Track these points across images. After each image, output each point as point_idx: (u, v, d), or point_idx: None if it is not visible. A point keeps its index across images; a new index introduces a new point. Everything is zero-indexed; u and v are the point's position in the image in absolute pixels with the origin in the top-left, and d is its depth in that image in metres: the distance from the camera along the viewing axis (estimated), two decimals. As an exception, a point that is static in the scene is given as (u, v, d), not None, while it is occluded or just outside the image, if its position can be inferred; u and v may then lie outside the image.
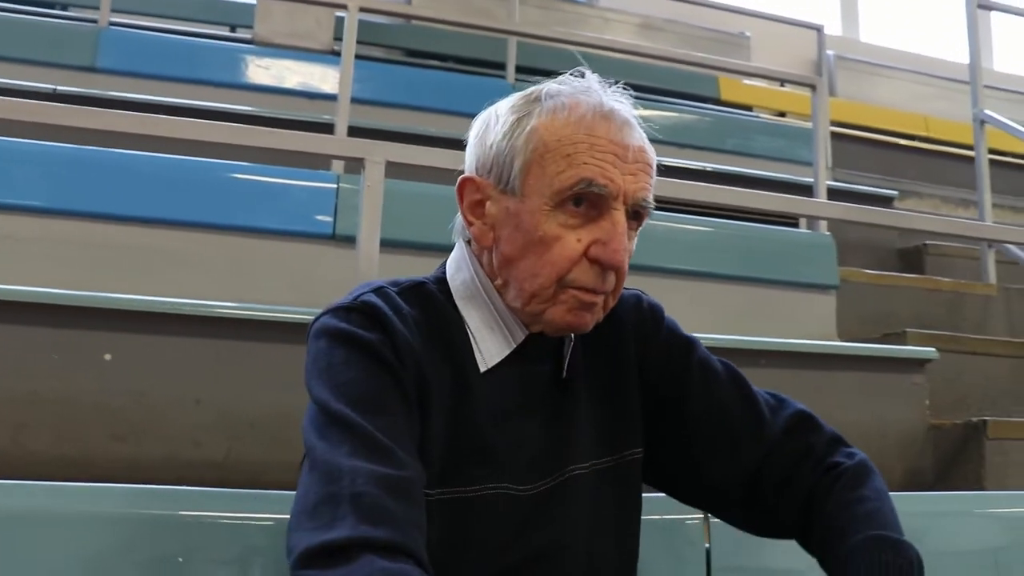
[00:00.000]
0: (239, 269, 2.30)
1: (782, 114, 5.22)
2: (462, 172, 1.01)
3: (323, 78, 3.80)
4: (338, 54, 4.11)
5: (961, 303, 3.22)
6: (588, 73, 1.00)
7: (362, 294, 0.97)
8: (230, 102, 3.33)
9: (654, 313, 1.13)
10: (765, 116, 4.92)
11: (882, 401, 2.34)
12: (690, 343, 1.14)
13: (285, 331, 1.89)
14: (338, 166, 2.63)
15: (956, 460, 2.35)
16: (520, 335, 1.00)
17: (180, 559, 1.10)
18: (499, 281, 0.99)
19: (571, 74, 1.00)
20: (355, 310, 0.94)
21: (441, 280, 1.04)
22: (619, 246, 0.93)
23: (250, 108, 3.39)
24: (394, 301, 0.97)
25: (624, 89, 1.00)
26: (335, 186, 2.40)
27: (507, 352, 1.00)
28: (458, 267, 1.03)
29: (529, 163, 0.93)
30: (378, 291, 0.98)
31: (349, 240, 2.36)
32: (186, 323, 1.83)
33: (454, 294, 1.02)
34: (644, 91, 4.58)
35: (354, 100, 3.43)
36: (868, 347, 2.47)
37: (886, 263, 3.52)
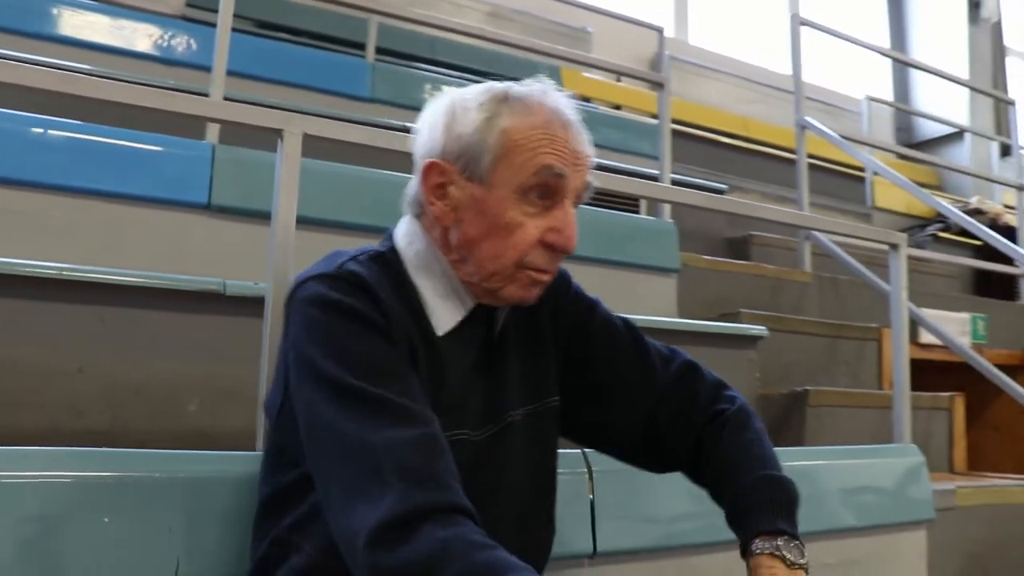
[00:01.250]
0: (106, 235, 2.22)
1: (618, 107, 5.47)
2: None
3: (176, 43, 3.68)
4: (189, 19, 4.03)
5: (782, 288, 3.55)
6: (544, 79, 1.13)
7: (342, 263, 1.05)
8: (73, 60, 3.18)
9: (563, 278, 1.26)
10: (604, 108, 5.13)
11: (719, 373, 2.59)
12: (593, 304, 1.30)
13: (171, 298, 1.89)
14: (212, 134, 2.59)
15: (783, 424, 2.66)
16: (470, 304, 1.12)
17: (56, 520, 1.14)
18: (455, 256, 1.09)
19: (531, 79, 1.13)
20: (342, 279, 1.03)
21: (392, 251, 1.13)
22: (573, 232, 1.08)
23: (100, 68, 3.25)
24: (370, 269, 1.05)
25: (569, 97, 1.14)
26: (210, 155, 2.36)
27: (459, 319, 1.11)
28: (410, 240, 1.13)
29: (498, 158, 1.05)
30: (354, 259, 1.07)
31: (225, 211, 2.37)
32: (68, 288, 1.79)
33: (407, 264, 1.11)
34: (490, 77, 4.71)
35: (202, 68, 3.37)
36: (708, 324, 2.70)
37: (717, 250, 3.81)
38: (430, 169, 1.08)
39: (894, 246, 2.20)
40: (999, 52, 7.82)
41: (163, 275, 1.91)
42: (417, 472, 0.90)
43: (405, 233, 1.14)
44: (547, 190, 1.06)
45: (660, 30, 4.41)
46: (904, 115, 7.51)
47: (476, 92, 1.11)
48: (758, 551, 1.07)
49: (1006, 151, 6.64)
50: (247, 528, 1.18)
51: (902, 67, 7.74)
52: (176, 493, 1.22)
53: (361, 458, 0.92)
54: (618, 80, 5.83)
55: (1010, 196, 5.30)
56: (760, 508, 1.12)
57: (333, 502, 0.93)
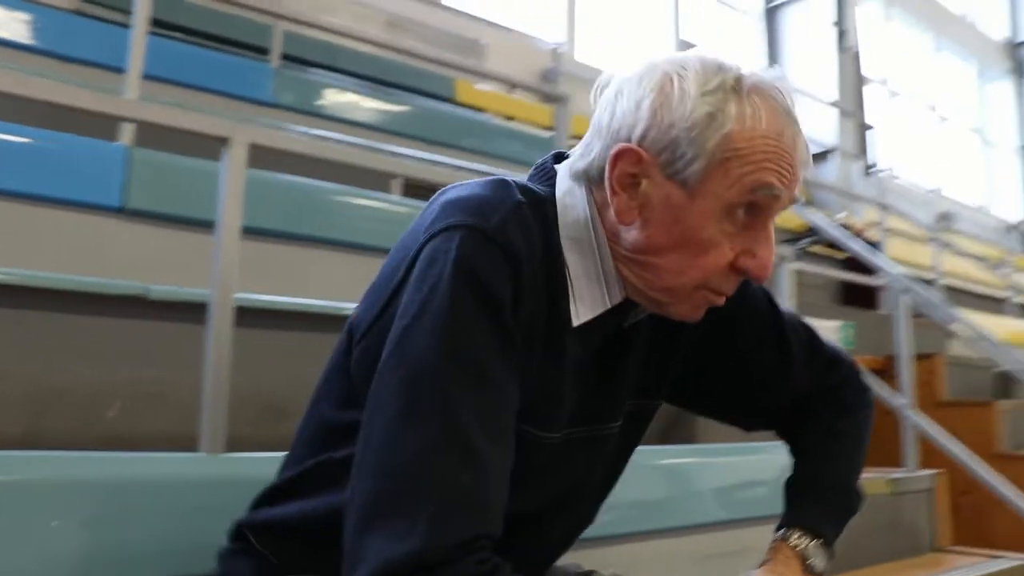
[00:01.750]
0: (18, 237, 2.19)
1: (510, 119, 5.59)
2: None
3: (71, 38, 3.58)
4: (82, 14, 3.92)
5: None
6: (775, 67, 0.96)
7: (505, 220, 0.89)
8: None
9: None
10: (497, 120, 5.25)
11: None
12: (744, 290, 1.09)
13: (92, 302, 1.87)
14: (126, 136, 2.56)
15: (677, 423, 2.82)
16: (617, 297, 0.96)
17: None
18: (621, 253, 0.94)
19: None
20: (497, 244, 0.86)
21: (550, 203, 0.96)
22: (769, 258, 0.92)
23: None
24: (529, 232, 0.90)
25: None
26: (123, 157, 2.32)
27: (600, 311, 0.96)
28: (572, 204, 0.96)
29: (714, 166, 0.87)
30: (517, 212, 0.90)
31: (139, 214, 2.35)
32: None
33: (561, 228, 0.95)
34: (386, 84, 4.76)
35: (96, 65, 3.29)
36: None
37: None
38: (624, 155, 0.89)
39: (781, 258, 2.39)
40: (859, 79, 8.41)
41: (83, 278, 1.88)
42: (467, 522, 0.81)
43: (568, 192, 0.96)
44: (756, 209, 0.90)
45: (557, 47, 4.56)
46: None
47: (701, 70, 0.89)
48: (790, 542, 1.08)
49: (869, 170, 7.14)
50: (169, 529, 1.21)
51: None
52: (96, 494, 1.19)
53: (403, 481, 0.81)
54: (511, 92, 5.97)
55: (872, 212, 5.70)
56: (821, 505, 1.12)
57: (357, 507, 0.83)
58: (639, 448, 1.15)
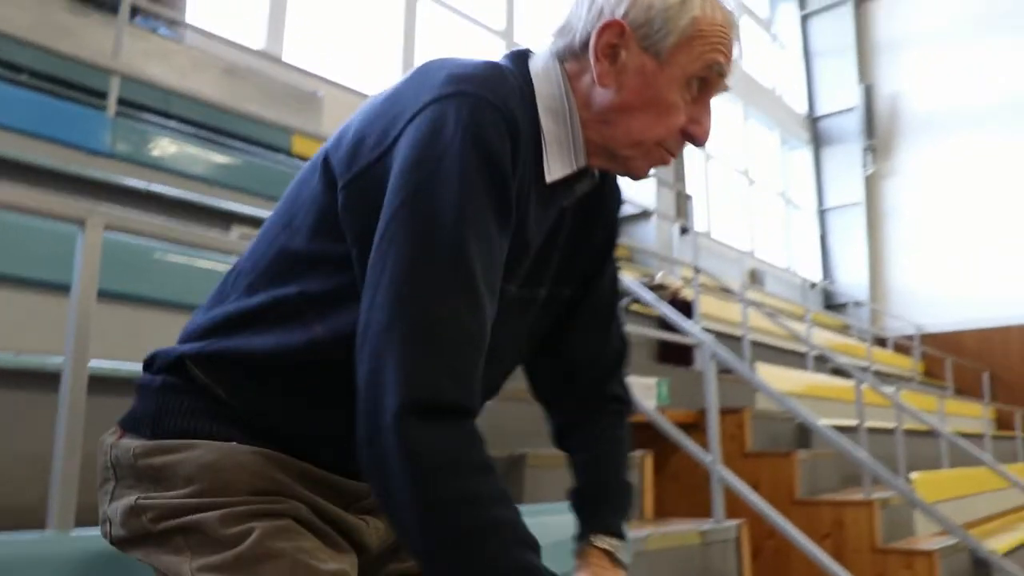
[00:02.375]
0: None
1: None
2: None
3: None
4: None
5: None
6: None
7: (507, 93, 1.01)
8: None
9: (622, 196, 1.29)
10: None
11: None
12: (618, 237, 1.31)
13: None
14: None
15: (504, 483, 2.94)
16: (582, 161, 1.10)
17: None
18: (593, 116, 1.09)
19: None
20: (502, 116, 0.98)
21: (528, 82, 1.09)
22: (710, 128, 1.11)
23: None
24: (522, 101, 1.03)
25: None
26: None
27: (568, 172, 1.09)
28: (547, 78, 1.10)
29: (682, 41, 1.04)
30: (514, 87, 1.03)
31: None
32: None
33: (539, 100, 1.08)
34: (225, 135, 4.74)
35: None
36: None
37: None
38: (610, 27, 1.05)
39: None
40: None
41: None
42: (464, 371, 0.92)
43: (544, 69, 1.11)
44: (706, 85, 1.08)
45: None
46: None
47: None
48: (598, 544, 1.22)
49: (685, 231, 7.62)
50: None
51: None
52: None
53: (420, 315, 0.90)
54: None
55: (688, 272, 6.10)
56: (615, 509, 1.27)
57: (382, 331, 0.90)
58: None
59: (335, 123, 5.86)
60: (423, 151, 0.95)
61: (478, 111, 0.96)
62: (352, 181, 1.01)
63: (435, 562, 0.89)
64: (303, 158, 5.30)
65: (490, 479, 0.91)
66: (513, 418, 3.33)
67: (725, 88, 1.11)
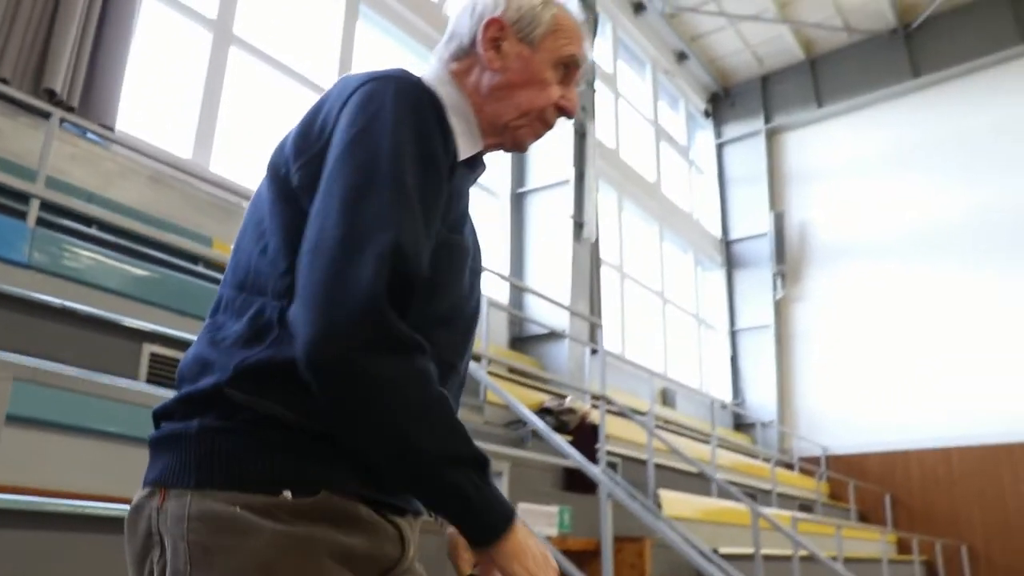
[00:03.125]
0: None
1: None
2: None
3: None
4: None
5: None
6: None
7: (420, 78, 1.25)
8: None
9: None
10: None
11: None
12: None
13: None
14: None
15: None
16: (480, 146, 1.35)
17: None
18: (486, 98, 1.35)
19: None
20: (424, 89, 1.20)
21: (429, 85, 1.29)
22: (577, 102, 1.41)
23: None
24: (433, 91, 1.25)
25: None
26: None
27: (475, 151, 1.34)
28: (442, 82, 1.35)
29: (547, 33, 1.36)
30: (424, 83, 1.24)
31: None
32: None
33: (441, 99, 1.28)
34: (148, 244, 4.76)
35: None
36: None
37: None
38: (492, 24, 1.35)
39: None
40: (596, 263, 9.28)
41: None
42: (411, 280, 1.06)
43: (435, 77, 1.36)
44: (570, 70, 1.38)
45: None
46: (517, 315, 8.54)
47: None
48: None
49: (595, 352, 7.80)
50: None
51: (519, 277, 8.92)
52: None
53: (366, 228, 1.04)
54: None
55: (598, 392, 6.22)
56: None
57: (336, 244, 1.03)
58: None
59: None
60: (361, 110, 1.14)
61: (407, 83, 1.19)
62: (307, 163, 1.15)
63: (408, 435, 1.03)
64: (221, 268, 5.33)
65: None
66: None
67: (582, 76, 1.42)
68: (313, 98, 6.16)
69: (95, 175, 4.99)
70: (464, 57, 1.37)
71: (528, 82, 1.35)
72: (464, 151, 1.29)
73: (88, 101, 5.07)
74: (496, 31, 1.35)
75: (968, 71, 12.66)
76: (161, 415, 1.15)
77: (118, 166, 5.11)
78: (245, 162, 6.62)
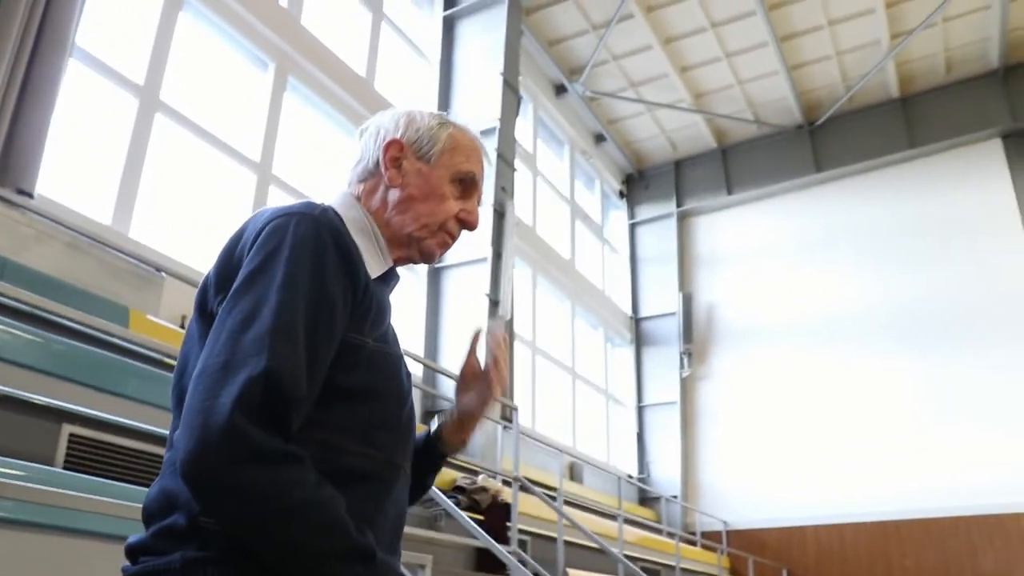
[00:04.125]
0: None
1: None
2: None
3: None
4: None
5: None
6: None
7: (324, 211, 1.32)
8: None
9: None
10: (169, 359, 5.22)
11: None
12: None
13: None
14: None
15: None
16: (389, 263, 1.46)
17: None
18: (391, 215, 1.47)
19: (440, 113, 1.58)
20: (323, 223, 1.29)
21: (335, 211, 1.38)
22: (477, 216, 1.54)
23: None
24: (336, 219, 1.34)
25: None
26: None
27: (383, 270, 1.43)
28: (348, 207, 1.45)
29: (443, 151, 1.50)
30: (327, 210, 1.34)
31: None
32: None
33: (347, 223, 1.36)
34: (58, 315, 4.67)
35: None
36: None
37: None
38: (392, 144, 1.49)
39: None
40: (510, 341, 9.42)
41: None
42: (294, 400, 1.14)
43: (342, 203, 1.46)
44: (467, 186, 1.52)
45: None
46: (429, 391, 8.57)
47: (424, 111, 1.56)
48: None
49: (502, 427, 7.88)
50: None
51: (432, 350, 8.99)
52: None
53: (246, 351, 1.14)
54: (182, 327, 6.05)
55: (510, 468, 6.29)
56: None
57: (218, 370, 1.13)
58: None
59: (174, 304, 5.90)
60: (261, 247, 1.24)
61: (308, 218, 1.28)
62: (218, 302, 1.25)
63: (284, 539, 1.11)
64: (139, 343, 5.23)
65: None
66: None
67: (480, 193, 1.56)
68: (238, 169, 6.16)
69: (10, 240, 4.91)
70: (369, 178, 1.50)
71: (427, 196, 1.47)
72: (374, 269, 1.38)
73: (7, 166, 5.01)
74: (396, 151, 1.49)
75: (865, 169, 13.49)
76: (138, 550, 1.21)
77: (35, 231, 5.04)
78: (166, 230, 6.59)
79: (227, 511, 1.10)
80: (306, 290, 1.20)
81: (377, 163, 1.49)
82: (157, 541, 1.18)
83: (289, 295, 1.18)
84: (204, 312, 1.28)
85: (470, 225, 1.52)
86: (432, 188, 1.47)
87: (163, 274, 5.84)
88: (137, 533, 1.24)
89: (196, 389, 1.12)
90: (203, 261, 6.61)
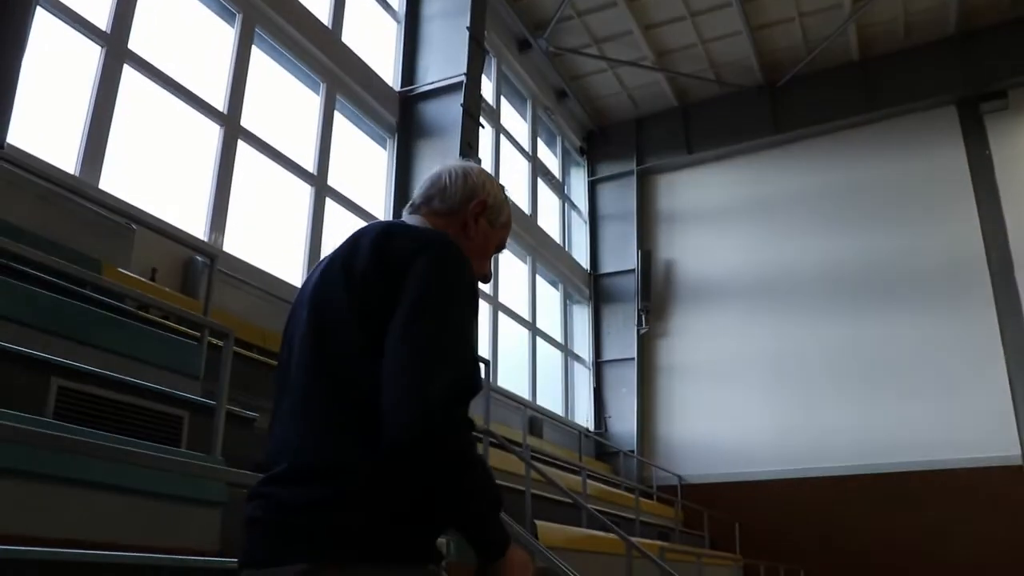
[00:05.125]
0: None
1: (146, 308, 5.44)
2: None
3: None
4: None
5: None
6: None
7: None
8: None
9: None
10: (137, 310, 5.18)
11: None
12: None
13: None
14: None
15: None
16: None
17: None
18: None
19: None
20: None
21: None
22: (492, 275, 1.94)
23: None
24: None
25: None
26: None
27: None
28: (446, 229, 1.80)
29: (503, 223, 1.90)
30: None
31: None
32: None
33: None
34: (34, 266, 4.61)
35: None
36: None
37: None
38: (481, 203, 1.85)
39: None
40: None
41: None
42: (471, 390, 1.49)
43: (441, 226, 1.80)
44: (497, 249, 1.91)
45: (214, 257, 4.73)
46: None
47: (494, 181, 1.92)
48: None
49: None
50: None
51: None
52: None
53: (445, 349, 1.48)
54: (152, 279, 6.01)
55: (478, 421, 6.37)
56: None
57: (412, 362, 1.45)
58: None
59: (145, 256, 5.84)
60: (444, 267, 1.57)
61: (457, 247, 1.65)
62: (366, 290, 1.57)
63: (475, 497, 1.51)
64: (111, 290, 5.17)
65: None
66: None
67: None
68: (200, 120, 5.96)
69: None
70: (448, 216, 1.82)
71: (481, 253, 1.83)
72: None
73: (-25, 115, 4.90)
74: (480, 209, 1.83)
75: (824, 131, 13.68)
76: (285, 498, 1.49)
77: (4, 182, 4.94)
78: (136, 182, 6.50)
79: (443, 461, 1.44)
80: (471, 310, 1.59)
81: (460, 209, 1.82)
82: (343, 464, 1.47)
83: (466, 314, 1.56)
84: (357, 296, 1.57)
85: (486, 281, 1.86)
86: (486, 248, 1.84)
87: (134, 226, 5.79)
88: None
89: (414, 373, 1.43)
90: (175, 214, 6.55)
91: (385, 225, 1.69)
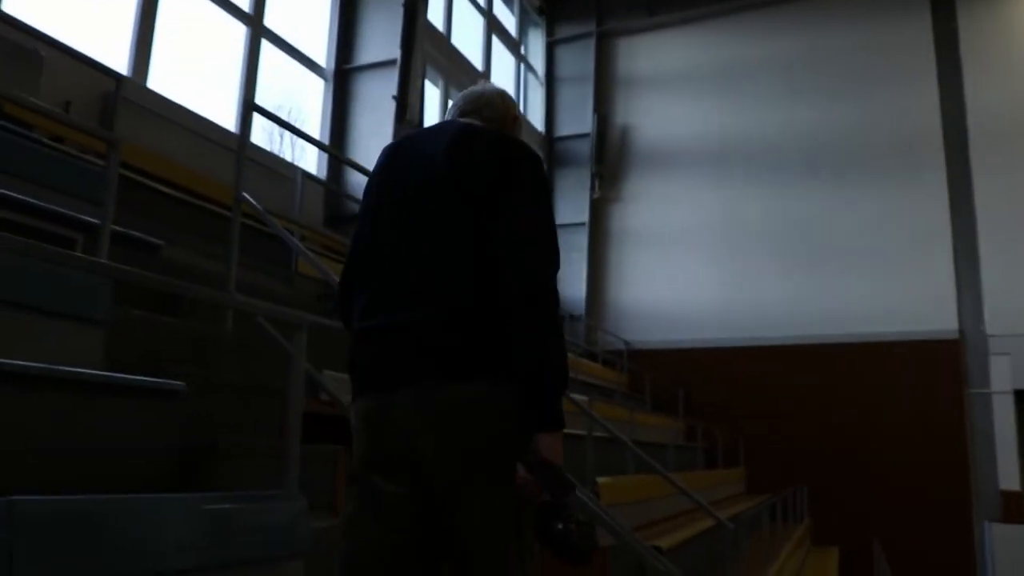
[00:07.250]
0: None
1: (60, 139, 5.23)
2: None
3: None
4: None
5: (206, 345, 3.85)
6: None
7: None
8: None
9: None
10: (45, 139, 4.93)
11: (141, 427, 2.75)
12: None
13: None
14: None
15: (197, 471, 2.92)
16: None
17: None
18: None
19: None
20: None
21: None
22: None
23: None
24: None
25: None
26: None
27: None
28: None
29: (519, 128, 2.42)
30: None
31: None
32: None
33: None
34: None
35: None
36: (129, 378, 2.69)
37: (150, 303, 3.91)
38: (516, 119, 2.38)
39: (297, 327, 2.63)
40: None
41: None
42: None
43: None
44: None
45: (119, 79, 4.45)
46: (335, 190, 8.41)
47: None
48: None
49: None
50: None
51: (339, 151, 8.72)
52: None
53: (549, 242, 2.04)
54: (66, 111, 5.70)
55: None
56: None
57: (532, 255, 1.99)
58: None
59: (56, 86, 5.51)
60: (533, 173, 2.12)
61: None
62: (476, 177, 2.06)
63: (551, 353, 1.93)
64: (15, 120, 4.89)
65: None
66: (213, 404, 3.33)
67: None
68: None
69: None
70: (495, 123, 2.26)
71: None
72: None
73: None
74: (514, 122, 2.34)
75: (792, -3, 13.24)
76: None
77: None
78: (43, 6, 6.09)
79: (541, 314, 1.94)
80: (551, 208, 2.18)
81: (503, 119, 2.29)
82: (471, 306, 1.99)
83: (551, 211, 2.15)
84: (453, 180, 2.06)
85: None
86: None
87: (42, 53, 5.45)
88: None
89: (530, 252, 1.99)
90: (85, 42, 6.17)
91: (471, 127, 2.19)
